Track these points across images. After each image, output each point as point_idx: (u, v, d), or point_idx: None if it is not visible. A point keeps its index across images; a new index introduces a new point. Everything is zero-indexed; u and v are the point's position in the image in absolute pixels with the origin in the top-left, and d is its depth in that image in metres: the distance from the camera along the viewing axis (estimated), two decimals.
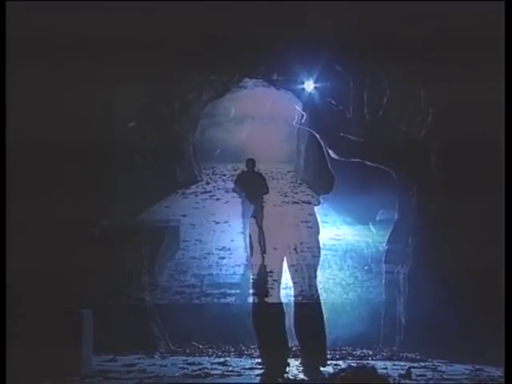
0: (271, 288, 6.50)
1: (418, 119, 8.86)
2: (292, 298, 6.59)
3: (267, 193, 6.65)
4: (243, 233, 12.69)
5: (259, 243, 6.57)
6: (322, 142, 6.68)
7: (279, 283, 6.48)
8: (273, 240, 6.59)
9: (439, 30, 7.94)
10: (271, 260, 6.57)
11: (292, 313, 6.58)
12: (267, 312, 6.48)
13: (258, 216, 6.66)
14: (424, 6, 7.96)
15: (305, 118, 9.33)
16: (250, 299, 6.40)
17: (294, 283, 6.53)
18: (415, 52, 7.99)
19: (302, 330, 6.50)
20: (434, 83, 8.46)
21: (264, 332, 6.50)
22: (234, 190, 12.94)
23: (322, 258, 6.66)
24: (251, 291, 6.57)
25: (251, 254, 6.64)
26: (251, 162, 12.43)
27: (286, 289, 6.69)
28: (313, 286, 6.47)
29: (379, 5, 8.10)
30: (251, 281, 6.59)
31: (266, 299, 6.45)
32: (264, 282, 6.45)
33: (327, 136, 8.87)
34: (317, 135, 8.72)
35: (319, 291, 6.55)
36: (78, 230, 8.37)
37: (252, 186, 6.94)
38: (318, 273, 6.57)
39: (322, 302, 6.60)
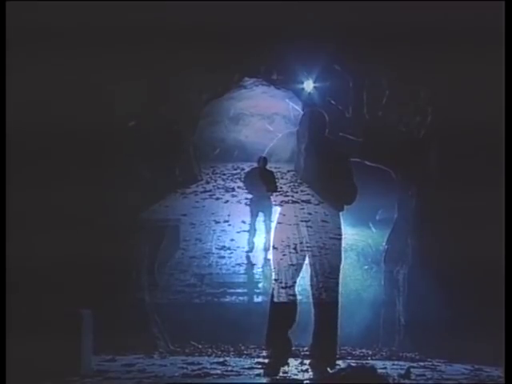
0: (271, 287, 6.51)
1: (418, 119, 8.88)
2: (291, 298, 6.58)
3: (275, 190, 6.63)
4: (249, 231, 12.73)
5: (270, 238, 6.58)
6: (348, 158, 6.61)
7: (279, 283, 6.48)
8: (272, 239, 6.59)
9: (439, 30, 7.94)
10: (271, 259, 6.58)
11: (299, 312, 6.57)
12: (271, 310, 6.49)
13: (267, 213, 6.68)
14: (424, 7, 7.97)
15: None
16: (251, 299, 6.39)
17: (294, 283, 6.52)
18: (415, 52, 8.00)
19: (313, 329, 6.50)
20: (434, 83, 8.47)
21: (267, 330, 6.51)
22: (244, 185, 13.01)
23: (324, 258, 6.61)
24: (254, 290, 6.54)
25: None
26: (263, 160, 12.50)
27: (286, 288, 6.68)
28: (313, 285, 6.46)
29: (379, 4, 8.11)
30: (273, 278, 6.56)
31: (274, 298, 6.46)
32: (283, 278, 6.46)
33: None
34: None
35: (320, 290, 6.52)
36: (77, 230, 8.37)
37: (261, 183, 6.92)
38: (319, 272, 6.55)
39: (322, 302, 6.57)
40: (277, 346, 6.44)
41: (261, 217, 12.39)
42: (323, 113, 6.69)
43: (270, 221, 6.23)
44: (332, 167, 6.42)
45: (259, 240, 12.56)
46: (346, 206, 6.66)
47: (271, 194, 6.65)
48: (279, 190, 6.59)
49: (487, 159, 8.06)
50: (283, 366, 6.42)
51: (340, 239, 6.56)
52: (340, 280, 6.54)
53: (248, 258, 12.34)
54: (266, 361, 6.55)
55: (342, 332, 8.94)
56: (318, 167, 6.41)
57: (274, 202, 6.69)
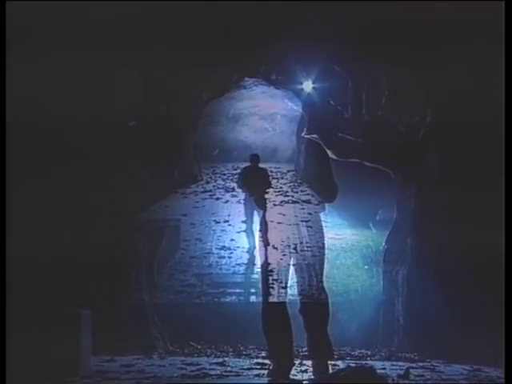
0: (271, 287, 6.49)
1: (417, 119, 8.87)
2: (291, 298, 6.58)
3: (270, 187, 6.63)
4: (245, 231, 12.70)
5: (263, 239, 6.56)
6: (328, 153, 6.68)
7: (279, 282, 6.47)
8: (273, 239, 6.58)
9: (438, 31, 7.94)
10: (271, 259, 6.56)
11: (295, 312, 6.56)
12: (269, 311, 6.47)
13: (261, 211, 6.65)
14: (423, 6, 7.96)
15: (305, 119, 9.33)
16: (250, 299, 6.36)
17: (294, 283, 6.52)
18: (414, 52, 7.99)
19: (306, 329, 6.48)
20: (433, 83, 8.46)
21: (267, 332, 6.49)
22: (237, 185, 12.98)
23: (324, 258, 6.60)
24: (253, 290, 6.51)
25: (259, 249, 6.63)
26: (255, 158, 12.48)
27: (286, 288, 6.68)
28: (312, 285, 6.45)
29: (378, 5, 8.10)
30: (260, 279, 6.55)
31: (268, 298, 6.44)
32: (270, 280, 6.44)
33: (325, 136, 8.88)
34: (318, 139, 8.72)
35: (320, 290, 6.51)
36: (76, 230, 8.37)
37: (256, 180, 6.91)
38: (319, 272, 6.54)
39: (323, 301, 6.56)
40: (281, 348, 6.39)
41: (256, 216, 12.36)
42: (304, 115, 6.74)
43: (265, 220, 6.26)
44: (315, 166, 6.46)
45: (257, 240, 12.52)
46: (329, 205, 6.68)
47: (265, 193, 6.63)
48: (279, 190, 6.59)
49: (486, 160, 8.05)
50: (288, 375, 6.37)
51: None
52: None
53: (247, 257, 12.33)
54: (271, 367, 6.48)
55: (342, 332, 8.97)
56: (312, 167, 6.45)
57: (273, 202, 6.67)
